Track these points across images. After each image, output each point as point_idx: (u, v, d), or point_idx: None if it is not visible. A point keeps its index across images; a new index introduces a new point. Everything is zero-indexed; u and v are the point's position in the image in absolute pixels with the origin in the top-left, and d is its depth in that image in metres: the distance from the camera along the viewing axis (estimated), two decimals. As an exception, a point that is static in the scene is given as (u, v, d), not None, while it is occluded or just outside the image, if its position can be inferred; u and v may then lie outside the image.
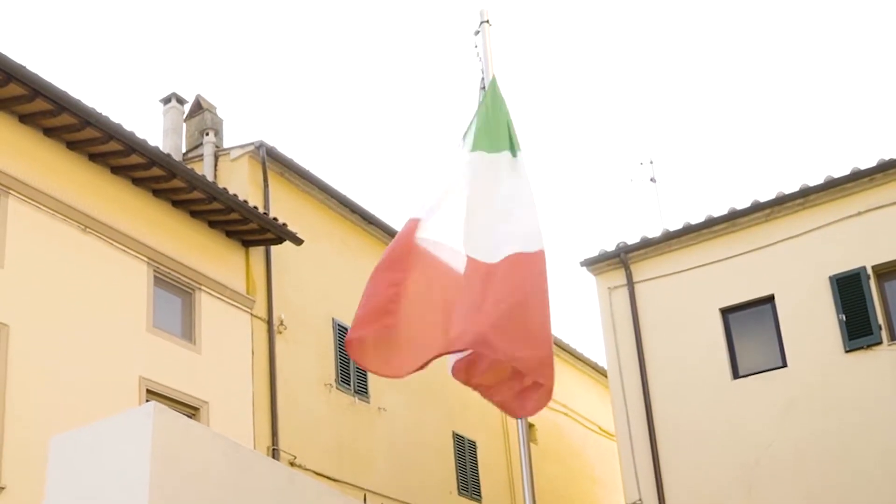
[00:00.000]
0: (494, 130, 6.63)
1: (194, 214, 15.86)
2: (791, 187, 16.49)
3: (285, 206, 17.60)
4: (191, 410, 14.47)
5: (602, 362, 19.64)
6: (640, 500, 16.82)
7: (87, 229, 14.08)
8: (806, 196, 16.30)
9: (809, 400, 15.72)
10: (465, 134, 6.74)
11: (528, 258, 6.02)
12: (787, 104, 45.40)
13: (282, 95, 47.96)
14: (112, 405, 12.53)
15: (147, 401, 11.10)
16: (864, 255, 15.82)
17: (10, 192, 13.22)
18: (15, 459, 12.12)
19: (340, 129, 47.73)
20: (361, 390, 18.31)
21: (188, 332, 15.31)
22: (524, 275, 5.95)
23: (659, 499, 16.58)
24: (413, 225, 6.43)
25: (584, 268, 18.04)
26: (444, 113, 50.62)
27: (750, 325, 16.70)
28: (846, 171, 16.06)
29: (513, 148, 6.55)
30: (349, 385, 18.03)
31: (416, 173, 49.12)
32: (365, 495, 16.49)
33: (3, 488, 11.95)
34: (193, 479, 5.45)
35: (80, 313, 13.63)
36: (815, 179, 16.28)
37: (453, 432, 20.36)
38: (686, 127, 47.33)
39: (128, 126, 14.30)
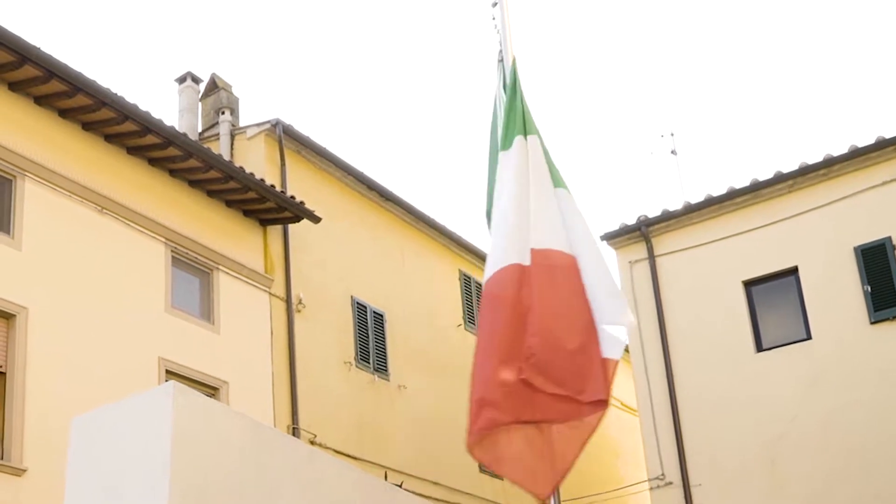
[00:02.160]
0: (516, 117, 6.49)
1: (211, 194, 15.79)
2: (814, 157, 16.36)
3: (302, 184, 17.51)
4: (210, 390, 14.44)
5: (623, 337, 19.50)
6: (662, 474, 16.75)
7: (104, 210, 14.03)
8: (830, 166, 16.11)
9: (834, 372, 15.59)
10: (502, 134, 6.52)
11: (557, 259, 5.83)
12: (810, 73, 45.00)
13: (297, 73, 47.83)
14: (131, 386, 12.49)
15: (166, 381, 11.06)
16: (889, 225, 15.63)
17: (27, 174, 13.19)
18: (36, 442, 12.13)
19: (357, 106, 47.60)
20: (381, 368, 18.26)
21: (207, 312, 15.26)
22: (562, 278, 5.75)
23: (682, 474, 16.51)
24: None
25: (605, 242, 17.90)
26: (463, 87, 50.36)
27: (773, 297, 16.55)
28: (871, 140, 15.86)
29: (526, 130, 6.38)
30: (369, 363, 17.97)
31: (432, 148, 48.94)
32: (385, 473, 16.45)
33: (24, 470, 11.96)
34: (214, 458, 5.40)
35: (99, 295, 13.60)
36: (839, 149, 16.11)
37: (474, 409, 20.25)
38: (707, 98, 46.96)
39: (143, 106, 14.28)
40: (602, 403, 5.53)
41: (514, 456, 5.64)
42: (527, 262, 5.76)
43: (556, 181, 6.25)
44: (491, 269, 5.89)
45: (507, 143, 6.42)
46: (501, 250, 5.92)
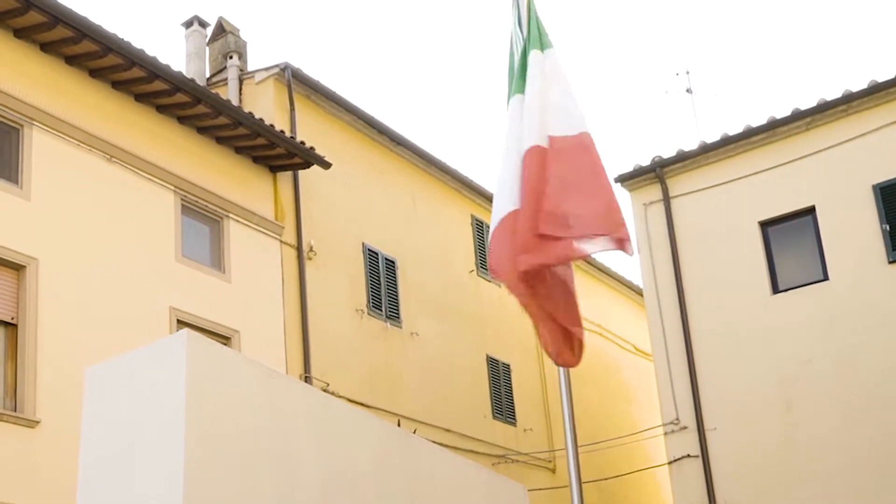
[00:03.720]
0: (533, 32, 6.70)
1: (220, 140, 15.63)
2: (833, 94, 16.06)
3: (312, 130, 17.33)
4: (222, 340, 14.33)
5: (637, 280, 19.42)
6: (677, 419, 16.70)
7: (113, 159, 13.89)
8: (849, 102, 15.85)
9: (851, 313, 15.45)
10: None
11: (571, 141, 6.13)
12: (828, 7, 44.33)
13: (305, 15, 47.36)
14: (143, 336, 12.37)
15: (178, 331, 10.96)
16: (909, 162, 15.40)
17: (34, 122, 13.05)
18: (48, 393, 12.09)
19: (366, 49, 47.21)
20: (393, 315, 18.17)
21: (217, 260, 15.16)
22: (572, 156, 6.08)
23: (696, 417, 16.45)
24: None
25: (619, 184, 17.70)
26: (474, 28, 49.89)
27: (790, 238, 16.37)
28: (891, 75, 15.57)
29: (542, 44, 6.62)
30: (381, 310, 17.88)
31: (443, 91, 48.55)
32: (398, 420, 16.42)
33: (37, 422, 11.92)
34: (229, 406, 5.34)
35: (109, 244, 13.49)
36: (859, 84, 15.83)
37: (487, 355, 20.26)
38: (723, 35, 46.37)
39: (150, 52, 14.07)
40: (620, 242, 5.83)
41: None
42: (545, 144, 6.12)
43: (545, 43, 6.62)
44: (525, 144, 6.19)
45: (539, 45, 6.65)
46: (526, 136, 6.25)
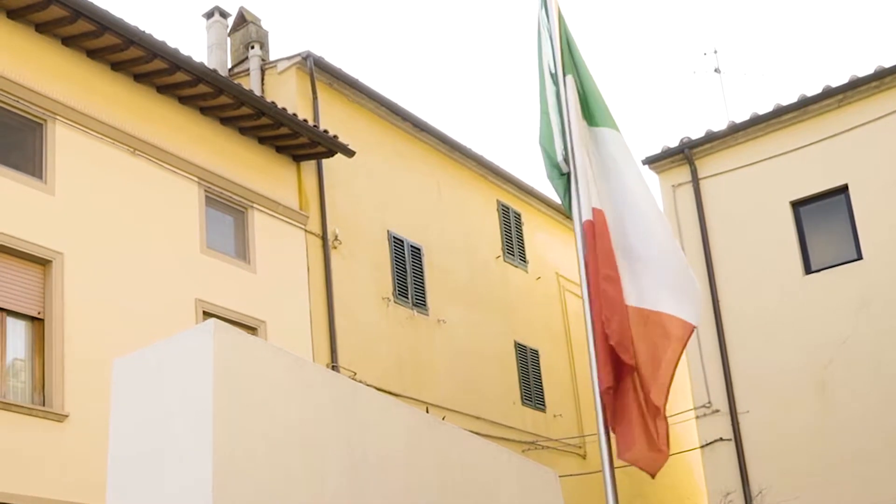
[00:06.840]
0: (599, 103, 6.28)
1: (243, 131, 15.59)
2: (865, 70, 15.83)
3: (335, 118, 17.25)
4: (248, 330, 14.28)
5: (666, 264, 19.24)
6: (709, 402, 16.56)
7: (136, 151, 13.87)
8: (881, 78, 15.63)
9: (886, 293, 15.25)
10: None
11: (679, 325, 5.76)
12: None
13: (326, 2, 47.23)
14: (169, 329, 12.29)
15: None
16: (943, 138, 15.16)
17: (57, 117, 13.04)
18: (76, 387, 12.10)
19: (387, 35, 47.05)
20: (420, 303, 18.08)
21: (242, 251, 15.12)
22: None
23: (729, 401, 16.30)
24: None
25: (647, 166, 17.53)
26: (496, 14, 49.64)
27: (822, 217, 16.18)
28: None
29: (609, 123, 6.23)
30: (407, 298, 17.80)
31: (466, 77, 48.34)
32: (427, 408, 16.34)
33: (66, 416, 11.90)
34: (257, 395, 5.30)
35: (134, 237, 13.47)
36: (891, 60, 15.64)
37: (515, 342, 20.15)
38: (752, 12, 45.80)
39: (172, 43, 14.05)
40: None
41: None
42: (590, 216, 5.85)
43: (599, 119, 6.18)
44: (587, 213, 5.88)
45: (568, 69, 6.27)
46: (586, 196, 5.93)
